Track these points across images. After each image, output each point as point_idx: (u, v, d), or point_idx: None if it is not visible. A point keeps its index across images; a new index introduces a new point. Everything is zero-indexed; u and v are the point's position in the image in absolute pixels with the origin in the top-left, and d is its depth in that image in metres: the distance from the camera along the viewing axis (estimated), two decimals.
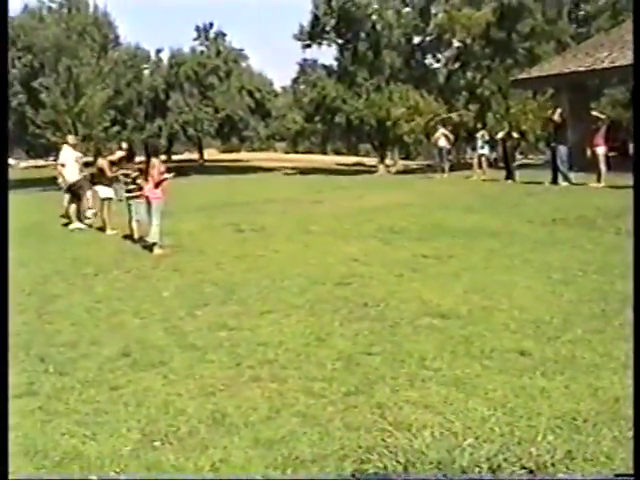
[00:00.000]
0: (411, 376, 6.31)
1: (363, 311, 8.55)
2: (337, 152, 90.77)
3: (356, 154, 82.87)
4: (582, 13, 59.32)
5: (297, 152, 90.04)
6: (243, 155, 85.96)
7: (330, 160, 76.59)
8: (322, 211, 19.03)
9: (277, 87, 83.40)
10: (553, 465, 4.57)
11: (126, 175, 16.24)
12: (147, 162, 14.26)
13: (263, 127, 77.10)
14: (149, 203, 14.00)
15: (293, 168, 61.47)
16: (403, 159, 70.25)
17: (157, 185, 13.96)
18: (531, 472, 4.51)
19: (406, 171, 52.31)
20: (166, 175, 14.22)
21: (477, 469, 4.56)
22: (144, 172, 14.41)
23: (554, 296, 8.92)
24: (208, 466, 4.83)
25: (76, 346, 7.69)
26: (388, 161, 62.68)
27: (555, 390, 5.84)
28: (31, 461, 5.10)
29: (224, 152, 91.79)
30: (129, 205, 15.92)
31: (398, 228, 14.98)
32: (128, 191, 16.07)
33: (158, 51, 74.59)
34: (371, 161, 67.24)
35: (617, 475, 4.36)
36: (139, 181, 15.16)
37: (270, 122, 76.35)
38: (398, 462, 4.68)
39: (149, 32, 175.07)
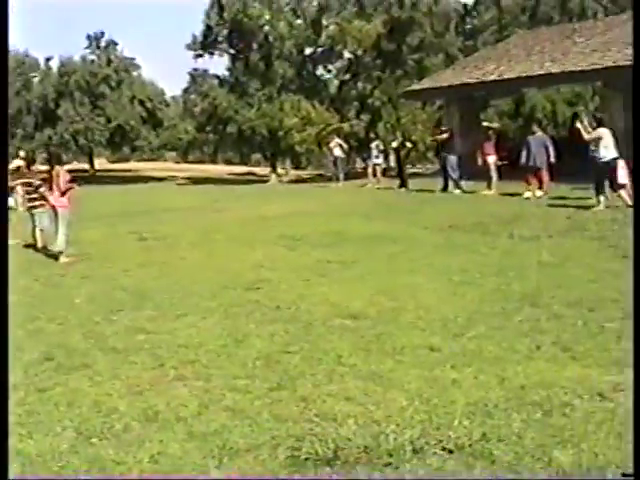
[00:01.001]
0: (329, 372, 6.66)
1: (276, 314, 8.88)
2: (228, 162, 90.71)
3: (247, 164, 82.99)
4: (469, 27, 60.80)
5: (188, 162, 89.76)
6: (133, 165, 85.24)
7: (221, 170, 76.59)
8: (222, 219, 19.32)
9: (168, 97, 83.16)
10: (470, 446, 4.97)
11: (29, 184, 16.19)
12: (51, 171, 14.31)
13: (155, 137, 76.68)
14: (55, 212, 14.07)
15: (185, 178, 61.41)
16: (294, 169, 70.71)
17: (63, 194, 14.05)
18: (451, 452, 4.91)
19: (298, 180, 52.76)
20: (72, 184, 14.32)
21: (402, 452, 4.93)
22: (48, 181, 14.44)
23: (456, 296, 9.42)
24: (147, 458, 5.07)
25: None
26: (280, 170, 63.02)
27: (465, 381, 6.26)
28: None
29: (114, 162, 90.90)
30: (32, 215, 15.90)
31: (300, 235, 15.35)
32: (30, 200, 16.04)
33: (47, 59, 73.63)
34: (262, 171, 67.46)
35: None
36: (42, 190, 15.12)
37: (161, 132, 75.96)
38: (328, 448, 5.02)
39: (38, 39, 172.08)
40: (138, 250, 14.55)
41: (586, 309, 8.43)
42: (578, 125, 19.08)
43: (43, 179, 15.27)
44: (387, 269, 11.55)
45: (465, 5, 62.66)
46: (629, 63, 24.43)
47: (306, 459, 4.94)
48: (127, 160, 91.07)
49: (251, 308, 9.18)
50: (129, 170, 74.51)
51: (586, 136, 18.14)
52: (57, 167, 14.35)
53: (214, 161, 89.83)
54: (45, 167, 15.70)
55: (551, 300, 8.92)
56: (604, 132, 17.95)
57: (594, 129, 18.13)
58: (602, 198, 17.64)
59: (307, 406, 5.86)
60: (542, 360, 6.76)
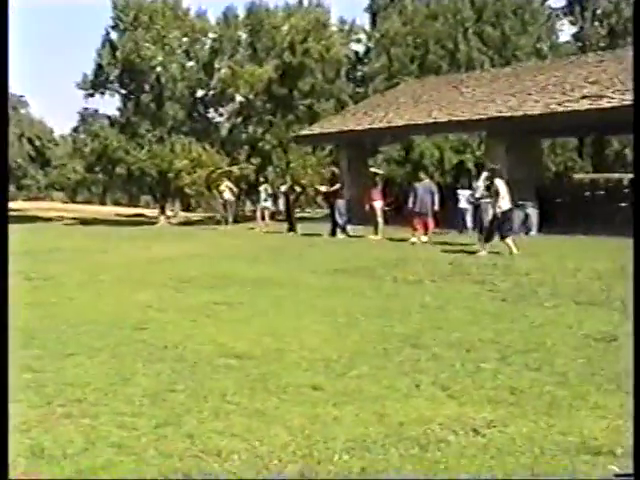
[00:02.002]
0: (215, 409, 6.80)
1: (163, 353, 8.99)
2: (117, 203, 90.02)
3: (136, 205, 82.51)
4: (360, 74, 61.80)
5: (76, 202, 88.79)
6: (20, 204, 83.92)
7: (110, 211, 75.89)
8: (110, 260, 19.29)
9: (57, 135, 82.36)
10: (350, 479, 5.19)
11: None
12: None
13: (42, 175, 75.78)
14: None
15: (73, 218, 60.64)
16: (184, 211, 70.53)
17: None
18: None
19: (187, 222, 52.65)
20: None
21: None
22: None
23: (340, 337, 9.67)
24: None
25: None
26: (169, 212, 62.79)
27: (346, 418, 6.48)
28: None
29: None
30: None
31: (188, 277, 15.46)
32: None
33: None
34: (151, 212, 67.06)
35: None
36: None
37: (50, 171, 75.12)
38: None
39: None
40: (24, 290, 14.43)
41: (464, 350, 8.77)
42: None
43: None
44: (273, 311, 11.75)
45: (356, 52, 63.70)
46: (511, 114, 25.36)
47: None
48: (13, 199, 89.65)
49: (138, 348, 9.26)
50: (15, 210, 73.28)
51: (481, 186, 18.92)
52: None
53: (102, 202, 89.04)
54: None
55: (431, 341, 9.24)
56: (500, 183, 18.51)
57: (491, 180, 18.73)
58: (487, 245, 18.23)
59: (193, 442, 5.99)
60: (421, 398, 7.03)
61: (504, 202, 18.38)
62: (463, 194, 25.80)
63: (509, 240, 18.16)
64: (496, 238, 18.64)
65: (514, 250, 17.81)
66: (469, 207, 25.08)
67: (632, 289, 9.73)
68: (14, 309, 12.09)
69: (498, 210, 18.26)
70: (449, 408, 6.71)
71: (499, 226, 18.36)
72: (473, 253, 18.30)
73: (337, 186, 25.56)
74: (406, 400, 6.96)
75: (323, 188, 26.02)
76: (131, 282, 15.16)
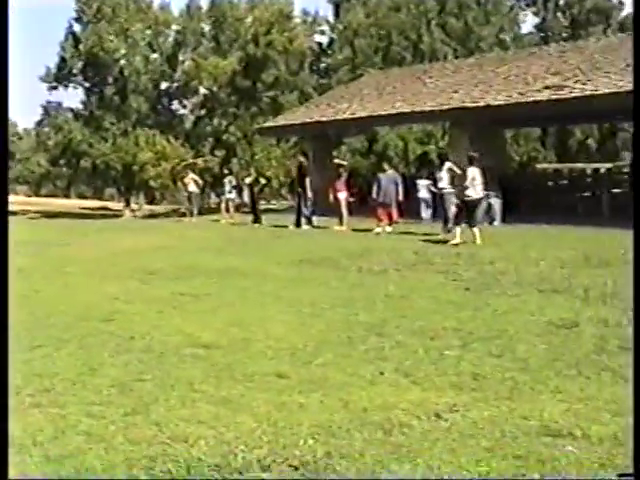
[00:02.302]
0: (182, 398, 6.89)
1: (130, 344, 9.05)
2: (81, 196, 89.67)
3: (100, 198, 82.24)
4: (323, 65, 61.95)
5: (40, 195, 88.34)
6: None
7: (74, 204, 75.50)
8: (76, 253, 19.27)
9: (20, 129, 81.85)
10: (315, 462, 5.29)
11: None
12: None
13: None
14: None
15: (37, 212, 60.29)
16: (148, 203, 70.35)
17: None
18: (296, 469, 5.23)
19: (152, 215, 52.55)
20: None
21: (250, 469, 5.22)
22: None
23: (305, 327, 9.77)
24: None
25: None
26: (134, 205, 62.66)
27: (312, 405, 6.59)
28: None
29: None
30: None
31: (154, 269, 15.51)
32: None
33: None
34: (116, 205, 66.99)
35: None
36: None
37: (13, 165, 74.67)
38: (180, 467, 5.27)
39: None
40: None
41: (428, 338, 8.90)
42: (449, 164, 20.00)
43: None
44: (239, 302, 11.83)
45: (320, 44, 63.88)
46: (474, 105, 25.58)
47: (160, 478, 5.17)
48: None
49: (105, 339, 9.32)
50: None
51: (458, 172, 19.23)
52: None
53: (67, 195, 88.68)
54: None
55: (395, 330, 9.37)
56: (476, 171, 18.66)
57: (468, 166, 18.86)
58: (458, 230, 18.34)
59: (160, 429, 6.08)
60: (385, 385, 7.15)
61: (477, 190, 18.51)
62: (422, 184, 26.03)
63: (476, 229, 18.31)
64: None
65: (478, 240, 17.98)
66: (428, 197, 25.32)
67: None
68: None
69: (470, 197, 18.36)
70: (412, 394, 6.84)
71: (469, 213, 18.46)
72: (438, 242, 18.53)
73: (308, 179, 25.61)
74: (370, 387, 7.08)
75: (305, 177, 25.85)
76: (97, 274, 15.18)
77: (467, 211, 18.49)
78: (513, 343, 8.53)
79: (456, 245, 17.87)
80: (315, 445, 5.63)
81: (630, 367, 6.70)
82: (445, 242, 18.70)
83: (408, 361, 7.92)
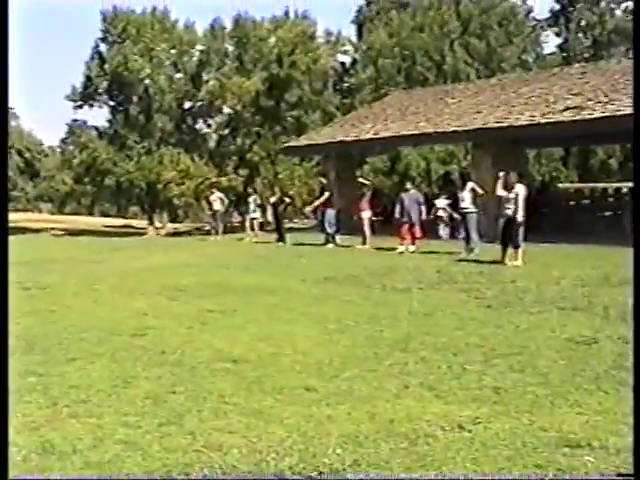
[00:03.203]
0: (214, 409, 7.16)
1: (162, 358, 9.34)
2: (104, 214, 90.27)
3: (124, 216, 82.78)
4: (346, 85, 62.32)
5: (63, 213, 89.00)
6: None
7: (98, 222, 76.11)
8: (104, 270, 19.60)
9: (46, 147, 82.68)
10: (344, 469, 5.56)
11: None
12: None
13: (32, 187, 76.11)
14: None
15: (61, 229, 60.83)
16: (171, 221, 70.79)
17: None
18: (320, 474, 5.49)
19: (176, 233, 53.02)
20: None
21: (282, 475, 5.48)
22: None
23: (332, 343, 10.04)
24: None
25: None
26: (157, 223, 63.09)
27: (339, 416, 6.85)
28: None
29: None
30: None
31: (181, 286, 15.79)
32: None
33: None
34: (139, 224, 67.40)
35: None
36: None
37: (39, 182, 75.44)
38: (216, 473, 5.54)
39: None
40: (22, 299, 14.74)
41: (451, 354, 9.14)
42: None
43: None
44: (266, 318, 12.09)
45: (343, 64, 64.32)
46: (497, 125, 25.82)
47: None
48: None
49: (138, 353, 9.61)
50: None
51: (501, 192, 18.42)
52: None
53: (91, 213, 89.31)
54: None
55: (419, 346, 9.61)
56: (521, 188, 18.32)
57: (512, 185, 18.28)
58: (520, 251, 18.23)
59: (195, 439, 6.35)
60: (409, 398, 7.39)
61: (522, 210, 18.16)
62: (440, 204, 26.27)
63: (520, 250, 18.16)
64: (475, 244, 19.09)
65: (519, 262, 17.83)
66: (446, 216, 25.49)
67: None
68: (13, 317, 12.46)
69: (519, 218, 18.13)
70: (436, 407, 7.08)
71: (514, 234, 18.23)
72: (461, 261, 18.75)
73: (326, 195, 25.87)
74: (395, 400, 7.33)
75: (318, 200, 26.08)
76: (126, 291, 15.48)
77: (516, 230, 18.14)
78: (534, 359, 8.76)
79: (517, 267, 17.79)
80: (343, 454, 5.89)
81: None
82: (466, 261, 18.92)
83: (432, 376, 8.17)
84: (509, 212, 18.26)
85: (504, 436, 6.22)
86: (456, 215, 22.74)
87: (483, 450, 5.91)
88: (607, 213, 28.51)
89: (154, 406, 7.33)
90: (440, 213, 25.59)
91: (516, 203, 18.17)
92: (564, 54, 61.67)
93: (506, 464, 5.62)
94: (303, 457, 5.84)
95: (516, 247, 18.21)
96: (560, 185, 44.60)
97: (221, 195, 34.56)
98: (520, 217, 18.15)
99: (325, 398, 7.44)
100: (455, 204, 22.60)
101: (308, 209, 25.53)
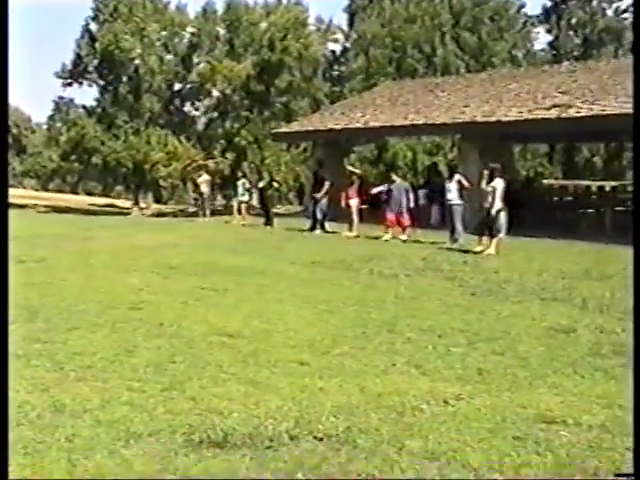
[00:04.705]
0: (213, 378, 7.58)
1: (160, 330, 9.75)
2: (89, 192, 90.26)
3: (108, 195, 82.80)
4: (336, 73, 62.64)
5: (47, 190, 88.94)
6: None
7: (82, 200, 75.97)
8: (95, 247, 19.95)
9: (33, 123, 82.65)
10: (337, 435, 5.99)
11: None
12: None
13: (18, 163, 76.09)
14: None
15: (46, 206, 60.86)
16: (156, 202, 70.91)
17: None
18: (321, 439, 5.91)
19: (160, 214, 53.12)
20: None
21: (280, 438, 5.91)
22: None
23: (322, 322, 10.48)
24: (63, 439, 5.89)
25: None
26: (142, 204, 63.26)
27: (331, 389, 7.28)
28: None
29: None
30: None
31: (173, 264, 16.17)
32: None
33: None
34: (124, 203, 67.45)
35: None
36: None
37: (25, 158, 75.46)
38: (217, 434, 5.95)
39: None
40: (18, 272, 14.99)
41: (436, 336, 9.59)
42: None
43: None
44: (257, 297, 12.51)
45: (333, 52, 64.62)
46: (485, 119, 26.27)
47: (200, 442, 5.85)
48: None
49: (136, 325, 10.01)
50: None
51: (483, 186, 19.25)
52: None
53: (75, 191, 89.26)
54: None
55: (406, 327, 10.06)
56: (500, 183, 19.07)
57: (490, 179, 19.13)
58: (495, 240, 18.92)
59: (196, 403, 6.77)
60: (397, 374, 7.84)
61: (499, 201, 18.98)
62: (421, 192, 27.05)
63: (496, 240, 18.77)
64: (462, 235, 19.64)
65: (492, 250, 18.48)
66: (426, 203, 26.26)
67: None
68: (13, 288, 12.81)
69: (494, 209, 18.83)
70: (422, 383, 7.53)
71: (491, 224, 18.96)
72: (446, 250, 19.19)
73: (327, 184, 26.22)
74: (384, 375, 7.78)
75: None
76: (119, 267, 15.84)
77: (492, 220, 18.78)
78: (515, 344, 9.22)
79: (482, 253, 18.60)
80: (336, 421, 6.32)
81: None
82: (451, 250, 19.39)
83: (418, 355, 8.62)
84: (487, 204, 18.96)
85: (485, 411, 6.67)
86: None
87: (466, 422, 6.36)
88: (590, 210, 28.98)
89: (156, 374, 7.74)
90: (421, 202, 26.21)
91: (493, 196, 18.84)
92: (554, 51, 62.22)
93: (487, 435, 6.06)
94: (299, 423, 6.27)
95: (491, 236, 18.92)
96: (544, 181, 45.07)
97: (208, 178, 34.93)
98: (495, 209, 18.89)
99: (317, 372, 7.87)
100: (440, 194, 23.13)
101: (322, 199, 25.81)
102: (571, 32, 63.07)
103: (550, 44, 63.80)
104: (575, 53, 60.38)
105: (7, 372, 6.39)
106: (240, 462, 5.49)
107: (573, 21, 62.63)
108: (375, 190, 25.07)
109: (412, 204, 23.51)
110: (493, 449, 5.78)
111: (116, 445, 5.80)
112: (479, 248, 18.79)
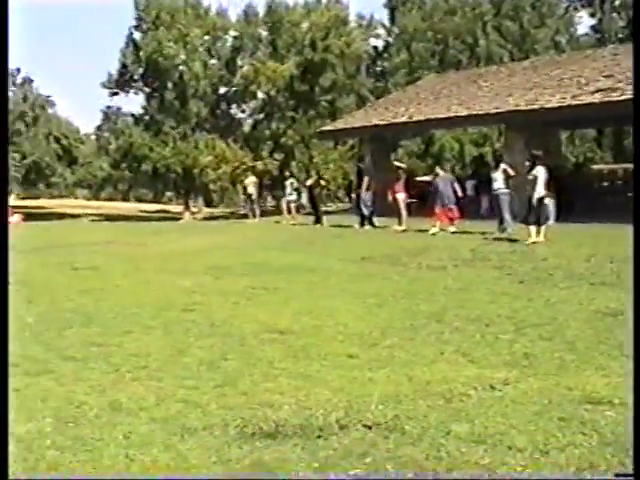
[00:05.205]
0: (264, 373, 7.77)
1: (212, 330, 9.96)
2: (139, 199, 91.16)
3: (158, 202, 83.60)
4: (380, 69, 62.64)
5: (99, 199, 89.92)
6: (45, 202, 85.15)
7: (133, 207, 76.98)
8: (147, 252, 20.25)
9: (82, 134, 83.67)
10: (385, 423, 6.13)
11: None
12: None
13: (70, 173, 77.11)
14: None
15: (98, 214, 61.74)
16: (207, 206, 71.49)
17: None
18: (369, 428, 6.06)
19: (212, 217, 53.67)
20: (11, 219, 15.25)
21: (330, 428, 6.06)
22: None
23: (371, 315, 10.63)
24: (121, 436, 6.09)
25: None
26: (193, 208, 63.78)
27: (380, 379, 7.43)
28: None
29: (23, 199, 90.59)
30: None
31: (224, 266, 16.41)
32: None
33: None
34: (175, 208, 68.11)
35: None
36: None
37: (76, 169, 76.45)
38: (269, 426, 6.13)
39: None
40: (73, 278, 15.45)
41: (484, 324, 9.70)
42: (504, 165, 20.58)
43: None
44: (307, 294, 12.68)
45: (376, 48, 64.62)
46: (529, 108, 26.23)
47: (252, 434, 6.03)
48: (37, 197, 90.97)
49: (188, 326, 10.24)
50: (41, 207, 74.49)
51: (512, 173, 19.53)
52: None
53: (125, 199, 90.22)
54: None
55: (454, 318, 10.18)
56: (541, 170, 19.00)
57: (531, 167, 19.13)
58: (542, 228, 18.84)
59: (248, 398, 6.95)
60: (445, 363, 7.97)
61: (542, 189, 18.86)
62: (469, 183, 27.08)
63: (543, 227, 18.74)
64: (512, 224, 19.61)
65: (540, 238, 18.39)
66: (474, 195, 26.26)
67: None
68: (68, 295, 13.18)
69: (536, 196, 18.78)
70: (470, 370, 7.64)
71: (536, 212, 18.84)
72: (494, 240, 19.20)
73: (366, 179, 26.38)
74: (432, 365, 7.91)
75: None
76: (171, 271, 16.10)
77: (537, 208, 18.72)
78: (562, 328, 9.30)
79: (533, 243, 18.39)
80: (385, 410, 6.47)
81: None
82: (499, 240, 19.39)
83: (466, 344, 8.74)
84: (530, 193, 18.89)
85: (532, 394, 6.77)
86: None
87: (512, 406, 6.48)
88: None
89: (209, 371, 7.94)
90: (469, 192, 26.25)
91: (535, 184, 18.76)
92: (598, 35, 61.64)
93: (533, 417, 6.17)
94: (348, 412, 6.43)
95: (538, 224, 18.76)
96: (594, 166, 44.79)
97: (254, 179, 35.20)
98: (538, 197, 18.74)
99: (366, 364, 8.03)
100: (487, 184, 23.10)
101: (365, 195, 26.00)
102: (615, 14, 62.47)
103: (593, 28, 63.23)
104: (620, 35, 59.76)
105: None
106: (291, 452, 5.66)
107: (616, 3, 62.03)
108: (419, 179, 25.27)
109: (459, 195, 23.54)
110: (539, 431, 5.88)
111: (172, 440, 6.00)
112: (530, 237, 18.71)
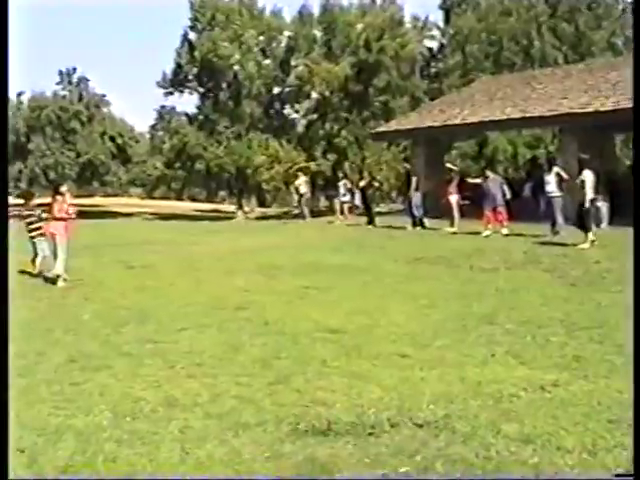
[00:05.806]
0: (317, 372, 7.91)
1: (265, 328, 10.14)
2: (193, 199, 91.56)
3: (211, 201, 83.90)
4: (434, 70, 62.43)
5: (152, 198, 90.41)
6: (99, 200, 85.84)
7: (187, 206, 77.36)
8: (201, 251, 20.50)
9: (136, 133, 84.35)
10: (436, 422, 6.25)
11: (29, 216, 17.12)
12: (52, 201, 15.50)
13: (124, 172, 77.80)
14: (54, 240, 15.23)
15: (151, 213, 62.20)
16: (260, 206, 71.68)
17: (60, 221, 15.23)
18: (420, 426, 6.17)
19: (264, 217, 53.83)
20: (71, 213, 15.53)
21: (381, 426, 6.18)
22: (49, 211, 15.62)
23: (423, 316, 10.74)
24: (176, 431, 6.27)
25: (25, 356, 8.91)
26: (246, 208, 64.01)
27: (432, 379, 7.54)
28: (30, 433, 6.43)
29: (77, 197, 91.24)
30: (33, 243, 16.90)
31: (277, 265, 16.60)
32: (31, 230, 16.97)
33: (19, 94, 74.86)
34: (227, 208, 68.38)
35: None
36: (44, 216, 16.28)
37: (131, 167, 77.12)
38: (322, 423, 6.27)
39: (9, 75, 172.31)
40: (128, 277, 15.72)
41: (535, 326, 9.77)
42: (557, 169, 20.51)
43: (44, 210, 16.43)
44: (360, 294, 12.82)
45: (430, 49, 64.40)
46: (583, 110, 26.10)
47: (305, 431, 6.18)
48: (91, 196, 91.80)
49: (242, 324, 10.43)
50: (95, 205, 75.10)
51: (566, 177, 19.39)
52: (57, 197, 15.54)
53: (179, 198, 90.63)
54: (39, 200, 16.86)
55: (505, 320, 10.25)
56: (588, 174, 18.73)
57: (579, 172, 18.88)
58: (590, 234, 18.59)
59: (301, 396, 7.10)
60: (496, 364, 8.05)
61: (590, 192, 18.59)
62: (527, 185, 27.00)
63: (595, 231, 18.54)
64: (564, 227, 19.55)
65: (590, 242, 18.23)
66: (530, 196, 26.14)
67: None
68: (124, 293, 13.42)
69: (586, 201, 18.48)
70: (520, 372, 7.73)
71: (585, 216, 18.60)
72: (546, 243, 19.15)
73: (414, 180, 26.43)
74: (483, 366, 8.00)
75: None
76: (224, 270, 16.31)
77: (587, 212, 18.60)
78: (613, 332, 9.32)
79: (586, 247, 18.17)
80: (436, 409, 6.59)
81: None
82: (551, 243, 19.31)
83: (517, 345, 8.82)
84: (579, 197, 18.76)
85: (581, 396, 6.85)
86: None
87: (561, 407, 6.56)
88: None
89: (262, 369, 8.10)
90: (525, 194, 26.12)
91: (582, 188, 18.62)
92: None
93: (582, 419, 6.25)
94: (400, 411, 6.55)
95: (588, 228, 18.61)
96: None
97: (306, 179, 35.36)
98: (587, 201, 18.55)
99: (418, 363, 8.13)
100: (540, 188, 22.98)
101: (414, 196, 26.07)
102: None
103: None
104: None
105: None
106: (343, 449, 5.79)
107: None
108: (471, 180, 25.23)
109: (508, 197, 23.45)
110: (587, 432, 5.97)
111: (226, 435, 6.16)
112: (584, 241, 18.54)
